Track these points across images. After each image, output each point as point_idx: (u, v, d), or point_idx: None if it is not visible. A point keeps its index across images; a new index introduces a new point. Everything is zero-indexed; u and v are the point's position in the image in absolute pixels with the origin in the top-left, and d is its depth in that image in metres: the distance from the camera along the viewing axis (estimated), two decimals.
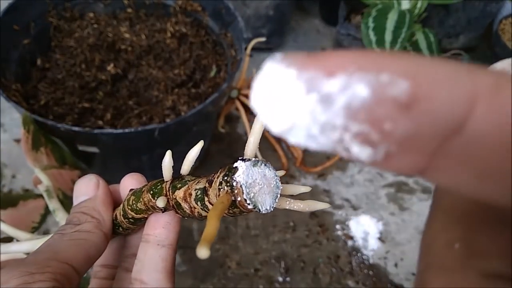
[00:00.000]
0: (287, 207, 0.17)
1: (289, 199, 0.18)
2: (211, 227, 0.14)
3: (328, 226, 0.73)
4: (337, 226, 0.73)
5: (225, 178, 0.17)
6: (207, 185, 0.18)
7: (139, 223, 0.22)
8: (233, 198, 0.16)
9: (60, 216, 0.42)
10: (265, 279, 0.66)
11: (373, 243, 0.71)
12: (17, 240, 0.28)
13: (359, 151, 0.08)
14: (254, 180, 0.16)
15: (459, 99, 0.08)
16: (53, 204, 0.43)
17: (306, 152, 0.82)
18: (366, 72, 0.08)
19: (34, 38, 0.70)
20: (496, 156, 0.08)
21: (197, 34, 0.76)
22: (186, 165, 0.20)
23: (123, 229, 0.23)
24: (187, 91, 0.71)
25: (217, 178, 0.17)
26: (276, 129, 0.09)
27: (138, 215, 0.21)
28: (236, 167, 0.17)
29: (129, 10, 0.77)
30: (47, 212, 0.53)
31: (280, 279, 0.66)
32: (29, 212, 0.51)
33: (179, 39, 0.75)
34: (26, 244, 0.25)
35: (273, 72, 0.09)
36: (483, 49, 1.03)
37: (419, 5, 0.73)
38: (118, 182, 0.24)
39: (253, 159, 0.17)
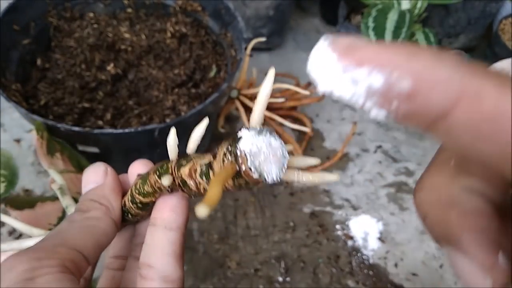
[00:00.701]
0: (296, 179, 0.17)
1: (297, 170, 0.17)
2: (213, 192, 0.14)
3: (328, 226, 0.73)
4: (337, 226, 0.73)
5: (229, 148, 0.16)
6: (212, 158, 0.17)
7: (147, 208, 0.22)
8: (237, 167, 0.16)
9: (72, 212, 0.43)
10: (265, 279, 0.66)
11: (373, 243, 0.71)
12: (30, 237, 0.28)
13: (377, 113, 0.12)
14: (259, 148, 0.16)
15: (447, 99, 0.11)
16: (66, 201, 0.43)
17: (306, 152, 0.82)
18: (383, 68, 0.11)
19: (34, 38, 0.70)
20: (469, 138, 0.11)
21: (197, 34, 0.76)
22: (192, 143, 0.19)
23: (132, 216, 0.23)
24: (187, 91, 0.71)
25: (221, 149, 0.17)
26: (320, 90, 0.13)
27: (145, 199, 0.21)
28: (240, 136, 0.16)
29: (129, 10, 0.77)
30: (64, 215, 0.53)
31: (280, 279, 0.66)
32: (46, 214, 0.51)
33: (179, 39, 0.75)
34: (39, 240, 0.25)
35: (323, 50, 0.13)
36: (483, 49, 1.03)
37: (419, 5, 0.74)
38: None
39: (258, 127, 0.17)
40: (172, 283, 0.20)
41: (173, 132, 0.20)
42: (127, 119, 0.67)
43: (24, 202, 0.50)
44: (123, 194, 0.23)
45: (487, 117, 0.10)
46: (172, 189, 0.20)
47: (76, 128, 0.54)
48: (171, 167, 0.20)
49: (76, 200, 0.37)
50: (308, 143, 0.83)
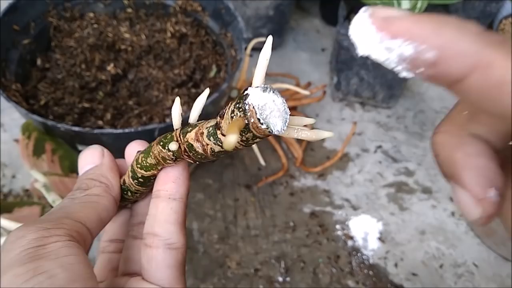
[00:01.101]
0: (295, 136, 0.18)
1: (297, 127, 0.19)
2: (230, 133, 0.16)
3: (328, 226, 0.73)
4: (337, 226, 0.73)
5: (237, 105, 0.18)
6: (218, 119, 0.18)
7: (147, 184, 0.23)
8: (246, 121, 0.17)
9: None
10: (265, 279, 0.66)
11: (373, 243, 0.71)
12: None
13: (406, 75, 0.15)
14: (265, 103, 0.17)
15: (465, 67, 0.13)
16: (52, 196, 0.43)
17: (306, 152, 0.82)
18: (414, 41, 0.14)
19: (34, 38, 0.70)
20: (480, 98, 0.14)
21: (197, 34, 0.76)
22: (195, 112, 0.21)
23: (132, 194, 0.23)
24: (187, 91, 0.71)
25: (229, 108, 0.18)
26: (359, 52, 0.15)
27: (147, 172, 0.22)
28: (246, 93, 0.18)
29: (129, 10, 0.77)
30: None
31: (280, 279, 0.66)
32: (24, 218, 0.51)
33: (179, 39, 0.75)
34: None
35: (363, 20, 0.15)
36: None
37: (419, 5, 0.73)
38: None
39: (262, 85, 0.18)
40: (176, 250, 0.21)
41: (177, 101, 0.21)
42: (127, 119, 0.67)
43: (1, 208, 0.50)
44: (121, 175, 0.24)
45: (495, 84, 0.13)
46: (176, 157, 0.20)
47: (76, 128, 0.54)
48: (176, 134, 0.20)
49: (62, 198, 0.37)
50: (308, 143, 0.83)
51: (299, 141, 0.82)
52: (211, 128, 0.19)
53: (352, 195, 0.77)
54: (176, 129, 0.21)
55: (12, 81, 0.64)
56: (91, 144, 0.62)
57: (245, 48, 0.68)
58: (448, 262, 0.70)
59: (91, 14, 0.77)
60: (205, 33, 0.77)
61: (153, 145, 0.21)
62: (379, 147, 0.85)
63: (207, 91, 0.20)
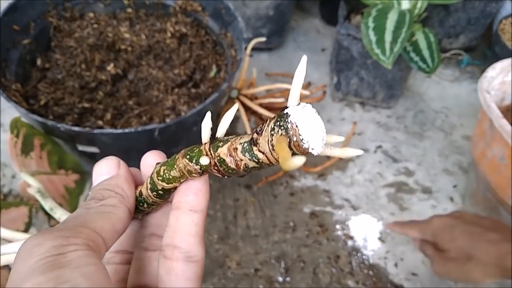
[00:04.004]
0: (328, 154, 0.19)
1: (330, 146, 0.19)
2: (283, 152, 0.16)
3: (328, 226, 0.73)
4: (337, 226, 0.73)
5: (278, 122, 0.18)
6: (255, 135, 0.19)
7: (166, 196, 0.23)
8: (288, 139, 0.17)
9: (59, 213, 0.42)
10: (265, 279, 0.66)
11: (373, 243, 0.71)
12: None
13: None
14: (305, 122, 0.18)
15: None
16: (49, 203, 0.42)
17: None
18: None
19: (34, 38, 0.70)
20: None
21: (197, 34, 0.76)
22: (222, 127, 0.21)
23: (148, 205, 0.23)
24: (187, 91, 0.71)
25: (267, 126, 0.18)
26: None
27: (169, 185, 0.22)
28: (286, 112, 0.18)
29: (129, 10, 0.77)
30: (31, 220, 0.53)
31: (280, 279, 0.66)
32: (12, 221, 0.50)
33: (179, 39, 0.75)
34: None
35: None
36: (483, 49, 1.03)
37: (419, 5, 0.73)
38: None
39: (301, 104, 0.18)
40: (196, 263, 0.21)
41: (208, 115, 0.20)
42: (127, 119, 0.67)
43: None
44: (135, 186, 0.24)
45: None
46: (203, 171, 0.21)
47: (76, 128, 0.54)
48: (205, 149, 0.20)
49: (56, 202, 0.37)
50: None
51: None
52: (246, 144, 0.19)
53: (352, 195, 0.77)
54: (205, 143, 0.21)
55: (12, 81, 0.64)
56: (91, 144, 0.62)
57: (245, 48, 0.68)
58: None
59: (91, 14, 0.77)
60: (205, 33, 0.77)
61: (178, 157, 0.21)
62: (379, 147, 0.85)
63: (236, 106, 0.20)
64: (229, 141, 0.20)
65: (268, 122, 0.18)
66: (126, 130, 0.55)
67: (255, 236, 0.71)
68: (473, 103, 0.93)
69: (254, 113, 0.78)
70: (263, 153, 0.18)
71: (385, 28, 0.69)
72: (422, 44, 0.74)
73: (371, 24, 0.70)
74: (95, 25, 0.75)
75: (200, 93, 0.70)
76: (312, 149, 0.18)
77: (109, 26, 0.75)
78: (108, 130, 0.56)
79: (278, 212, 0.74)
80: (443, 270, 0.54)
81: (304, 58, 0.18)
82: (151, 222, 0.24)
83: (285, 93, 0.80)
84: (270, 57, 0.99)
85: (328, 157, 0.82)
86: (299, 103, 0.18)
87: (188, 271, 0.20)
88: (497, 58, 0.73)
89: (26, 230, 0.52)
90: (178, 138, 0.63)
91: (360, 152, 0.19)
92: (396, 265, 0.69)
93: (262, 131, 0.18)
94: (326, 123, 0.88)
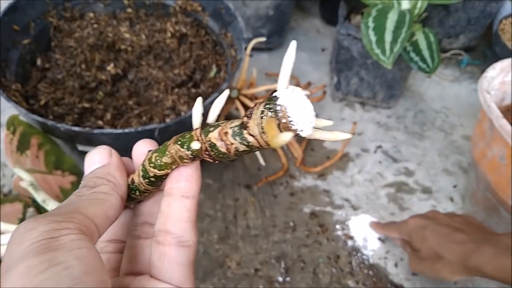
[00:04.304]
0: (317, 137, 0.19)
1: (318, 129, 0.19)
2: (272, 131, 0.17)
3: (328, 226, 0.73)
4: (337, 226, 0.73)
5: (267, 105, 0.18)
6: (245, 119, 0.19)
7: (158, 183, 0.23)
8: (277, 121, 0.18)
9: (52, 205, 0.42)
10: (265, 279, 0.66)
11: (373, 243, 0.71)
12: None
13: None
14: (294, 104, 0.18)
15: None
16: (42, 196, 0.42)
17: (306, 152, 0.82)
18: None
19: (34, 38, 0.70)
20: None
21: (197, 34, 0.76)
22: (213, 113, 0.21)
23: (140, 193, 0.23)
24: (187, 91, 0.71)
25: (257, 109, 0.19)
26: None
27: (161, 172, 0.22)
28: (275, 95, 0.18)
29: (129, 10, 0.77)
30: (24, 216, 0.53)
31: (280, 279, 0.66)
32: (6, 215, 0.51)
33: (179, 39, 0.75)
34: None
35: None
36: (483, 49, 1.03)
37: (419, 5, 0.73)
38: None
39: (289, 87, 0.19)
40: (188, 248, 0.21)
41: (199, 100, 0.21)
42: (127, 119, 0.67)
43: None
44: (127, 174, 0.24)
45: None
46: (194, 156, 0.21)
47: (76, 128, 0.54)
48: (196, 134, 0.21)
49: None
50: (308, 143, 0.83)
51: (299, 141, 0.82)
52: (236, 128, 0.19)
53: (352, 195, 0.77)
54: (196, 129, 0.21)
55: (12, 81, 0.64)
56: (91, 144, 0.61)
57: (245, 48, 0.68)
58: None
59: (91, 14, 0.77)
60: (205, 33, 0.77)
61: (169, 144, 0.21)
62: (379, 147, 0.85)
63: (226, 92, 0.21)
64: (220, 125, 0.20)
65: (257, 105, 0.19)
66: (126, 130, 0.55)
67: (255, 236, 0.71)
68: (473, 103, 0.93)
69: None
70: (253, 136, 0.19)
71: (385, 28, 0.69)
72: (422, 44, 0.74)
73: (371, 24, 0.70)
74: (95, 25, 0.75)
75: (200, 93, 0.71)
76: (301, 130, 0.18)
77: (109, 26, 0.75)
78: (108, 130, 0.56)
79: (278, 212, 0.74)
80: (417, 268, 0.59)
81: (293, 44, 0.19)
82: (143, 211, 0.25)
83: None
84: (270, 57, 0.99)
85: (328, 157, 0.82)
86: (287, 87, 0.18)
87: (180, 256, 0.21)
88: (497, 58, 0.73)
89: None
90: None
91: (349, 135, 0.20)
92: (396, 265, 0.69)
93: (252, 114, 0.19)
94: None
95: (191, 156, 0.21)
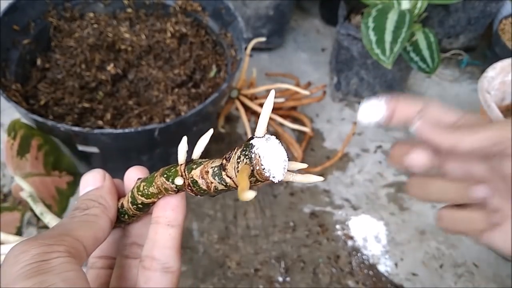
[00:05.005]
0: (291, 179, 0.21)
1: (292, 172, 0.21)
2: (243, 183, 0.18)
3: (328, 226, 0.73)
4: (337, 226, 0.73)
5: (243, 152, 0.20)
6: (224, 161, 0.21)
7: (145, 209, 0.24)
8: (251, 168, 0.19)
9: (48, 218, 0.43)
10: (265, 279, 0.66)
11: (373, 243, 0.71)
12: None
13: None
14: (268, 153, 0.19)
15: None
16: (40, 208, 0.43)
17: (306, 152, 0.82)
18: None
19: (34, 38, 0.70)
20: None
21: (197, 34, 0.76)
22: (198, 150, 0.22)
23: (129, 217, 0.25)
24: (187, 91, 0.71)
25: (235, 154, 0.20)
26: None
27: (148, 200, 0.23)
28: (251, 143, 0.20)
29: (129, 10, 0.77)
30: (22, 224, 0.53)
31: (280, 279, 0.66)
32: (5, 224, 0.51)
33: (179, 39, 0.75)
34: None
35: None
36: (483, 49, 1.03)
37: (419, 5, 0.73)
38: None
39: (266, 135, 0.20)
40: (172, 273, 0.23)
41: (184, 140, 0.22)
42: (127, 119, 0.67)
43: None
44: (118, 197, 0.26)
45: None
46: (178, 190, 0.22)
47: (76, 128, 0.54)
48: (181, 169, 0.22)
49: (46, 205, 0.37)
50: (308, 143, 0.83)
51: (299, 141, 0.82)
52: (216, 168, 0.21)
53: (352, 195, 0.77)
54: (181, 164, 0.22)
55: (12, 81, 0.64)
56: (91, 144, 0.62)
57: (245, 48, 0.68)
58: (448, 262, 0.70)
59: (91, 14, 0.77)
60: (205, 33, 0.77)
61: (157, 175, 0.23)
62: (379, 147, 0.85)
63: (210, 132, 0.22)
64: (202, 164, 0.22)
65: (236, 150, 0.20)
66: (126, 130, 0.55)
67: (255, 236, 0.71)
68: (473, 103, 0.93)
69: (254, 113, 0.78)
70: (230, 178, 0.20)
71: (385, 28, 0.69)
72: (422, 44, 0.74)
73: (371, 24, 0.70)
74: (95, 25, 0.75)
75: (200, 93, 0.70)
76: (273, 177, 0.19)
77: (109, 26, 0.75)
78: (108, 130, 0.56)
79: (278, 212, 0.74)
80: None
81: (272, 93, 0.20)
82: (132, 232, 0.26)
83: (285, 93, 0.80)
84: (270, 57, 0.99)
85: (328, 157, 0.82)
86: (264, 135, 0.20)
87: (164, 281, 0.22)
88: (497, 58, 0.73)
89: (17, 234, 0.53)
90: (178, 138, 0.62)
91: (321, 178, 0.22)
92: (396, 265, 0.69)
93: (230, 158, 0.20)
94: (326, 123, 0.88)
95: (175, 189, 0.22)
